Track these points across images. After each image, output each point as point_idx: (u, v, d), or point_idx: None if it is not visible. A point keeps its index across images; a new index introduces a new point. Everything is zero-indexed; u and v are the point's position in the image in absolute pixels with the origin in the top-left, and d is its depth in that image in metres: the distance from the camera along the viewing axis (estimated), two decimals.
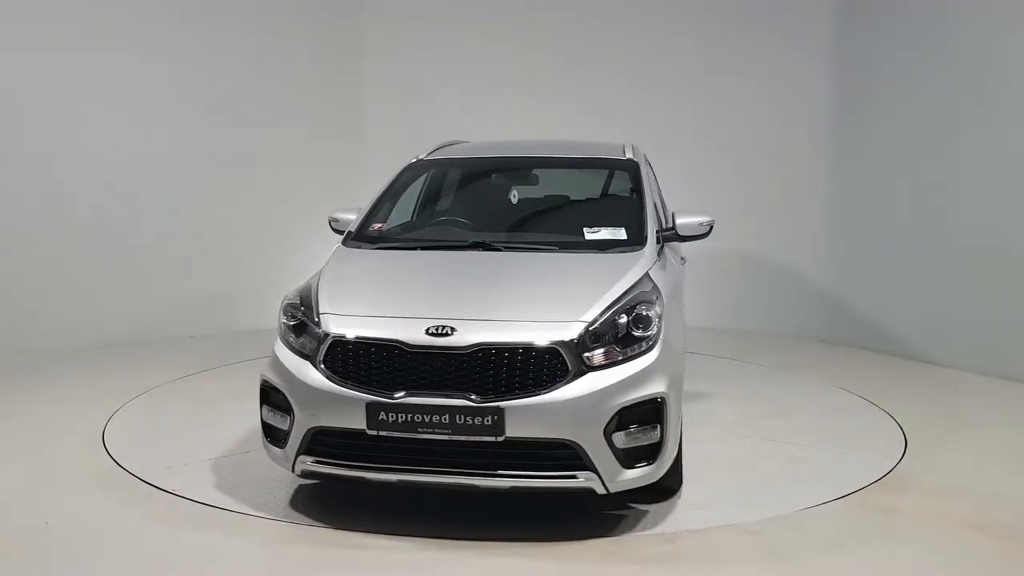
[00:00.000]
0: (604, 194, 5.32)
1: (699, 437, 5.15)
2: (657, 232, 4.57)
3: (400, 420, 3.53)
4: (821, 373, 6.85)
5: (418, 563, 3.51)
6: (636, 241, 4.40)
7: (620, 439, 3.58)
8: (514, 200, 5.36)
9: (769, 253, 8.56)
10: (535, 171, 5.44)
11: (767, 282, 8.53)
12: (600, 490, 3.59)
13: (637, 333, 3.73)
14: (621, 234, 4.46)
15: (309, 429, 3.66)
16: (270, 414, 3.88)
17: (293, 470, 3.77)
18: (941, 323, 7.23)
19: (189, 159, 8.04)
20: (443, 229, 5.01)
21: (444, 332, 3.60)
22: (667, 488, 4.09)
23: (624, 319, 3.74)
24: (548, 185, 5.46)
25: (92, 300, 7.62)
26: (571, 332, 3.62)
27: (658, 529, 3.82)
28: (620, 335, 3.71)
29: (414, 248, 4.59)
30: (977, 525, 3.90)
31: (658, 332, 3.78)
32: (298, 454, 3.71)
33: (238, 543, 3.69)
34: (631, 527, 3.82)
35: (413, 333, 3.62)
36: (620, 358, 3.65)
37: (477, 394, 3.52)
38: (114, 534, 3.76)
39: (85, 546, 3.65)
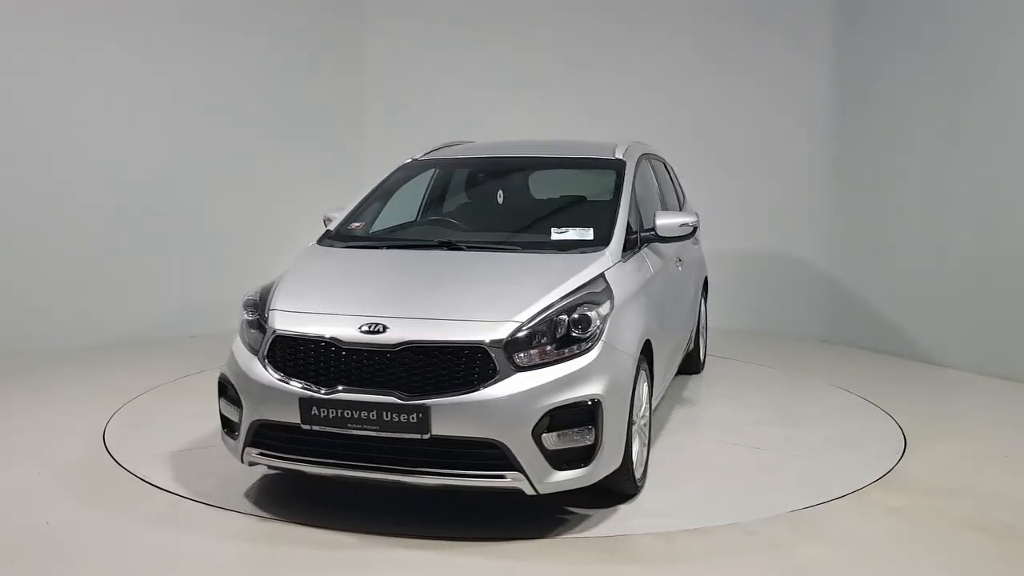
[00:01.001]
0: (587, 194, 5.25)
1: (694, 438, 5.16)
2: (633, 233, 4.54)
3: (331, 415, 3.60)
4: (821, 373, 6.85)
5: (430, 562, 3.51)
6: (601, 242, 4.35)
7: (551, 440, 3.56)
8: (500, 200, 5.42)
9: (769, 253, 8.56)
10: (523, 171, 5.43)
11: (767, 282, 8.53)
12: (528, 491, 3.57)
13: (576, 334, 3.69)
14: (588, 235, 4.42)
15: (254, 422, 3.79)
16: (225, 406, 4.02)
17: (242, 460, 3.89)
18: (941, 323, 7.23)
19: (189, 159, 8.04)
20: (423, 229, 5.06)
21: (376, 330, 3.65)
22: (619, 492, 4.05)
23: (564, 319, 3.71)
24: (540, 185, 5.45)
25: (92, 300, 7.62)
26: (501, 332, 3.61)
27: (600, 532, 3.78)
28: (559, 335, 3.69)
29: (380, 247, 4.65)
30: (977, 525, 3.90)
31: (599, 334, 3.74)
32: (245, 445, 3.84)
33: (239, 543, 3.69)
34: (629, 526, 3.82)
35: (348, 331, 3.68)
36: (554, 359, 3.63)
37: (404, 391, 3.55)
38: (114, 534, 3.77)
39: (85, 546, 3.65)
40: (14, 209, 7.24)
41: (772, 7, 8.49)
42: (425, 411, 3.50)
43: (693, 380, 6.50)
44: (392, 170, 5.40)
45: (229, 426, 4.01)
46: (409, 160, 5.47)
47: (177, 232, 8.03)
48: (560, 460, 3.59)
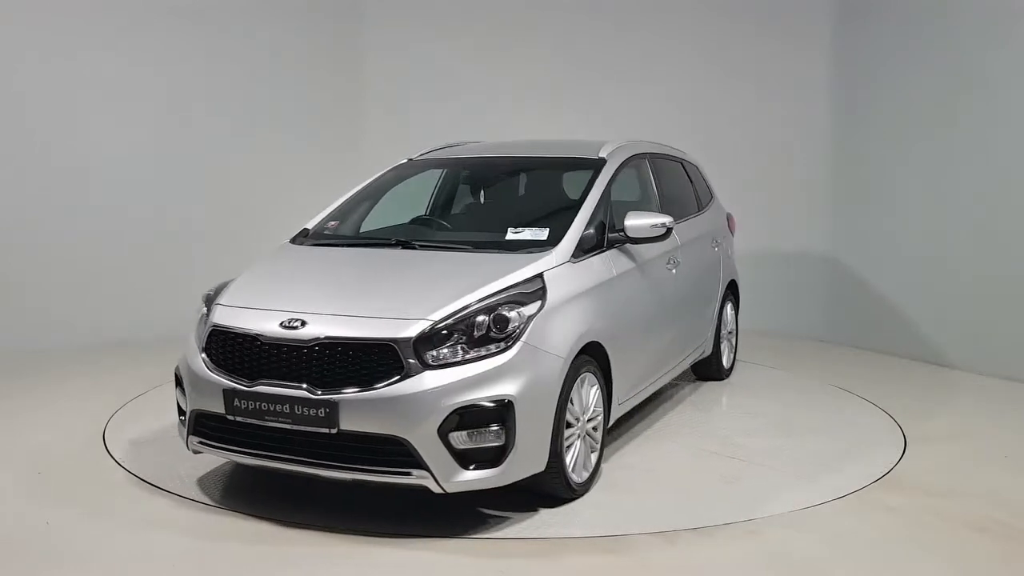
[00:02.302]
0: (568, 194, 5.14)
1: (687, 438, 5.15)
2: (597, 233, 4.49)
3: (251, 407, 3.72)
4: (821, 373, 6.85)
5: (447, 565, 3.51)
6: (553, 242, 4.29)
7: (459, 439, 3.56)
8: (481, 200, 5.46)
9: (768, 253, 8.56)
10: (506, 171, 5.44)
11: (767, 282, 8.52)
12: (435, 489, 3.58)
13: (493, 333, 3.69)
14: (543, 235, 4.37)
15: (193, 411, 3.97)
16: (179, 395, 4.17)
17: (188, 447, 4.06)
18: (941, 323, 7.23)
19: (189, 160, 8.04)
20: (400, 228, 5.07)
21: (294, 326, 3.73)
22: (551, 495, 4.01)
23: (484, 319, 3.70)
24: (526, 185, 5.41)
25: (92, 300, 7.62)
26: (411, 330, 3.62)
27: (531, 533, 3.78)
28: (478, 335, 3.68)
29: (341, 246, 4.75)
30: (977, 525, 3.90)
31: (518, 334, 3.72)
32: (188, 434, 4.02)
33: (239, 543, 3.68)
34: (630, 527, 3.82)
35: (269, 326, 3.79)
36: (466, 357, 3.63)
37: (316, 386, 3.61)
38: (114, 534, 3.76)
39: (85, 546, 3.65)
40: (14, 209, 7.25)
41: (772, 7, 8.50)
42: (333, 406, 3.56)
43: (689, 380, 6.49)
44: (384, 170, 5.47)
45: (181, 414, 4.16)
46: (405, 161, 5.55)
47: (177, 232, 8.02)
48: (468, 459, 3.60)
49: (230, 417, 3.78)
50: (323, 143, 8.80)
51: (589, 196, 4.64)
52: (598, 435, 4.30)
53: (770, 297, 8.53)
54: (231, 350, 3.87)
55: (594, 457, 4.27)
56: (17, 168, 7.26)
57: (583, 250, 4.37)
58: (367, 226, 5.15)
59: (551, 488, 3.97)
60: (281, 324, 3.75)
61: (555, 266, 4.13)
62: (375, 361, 3.60)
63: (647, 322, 4.92)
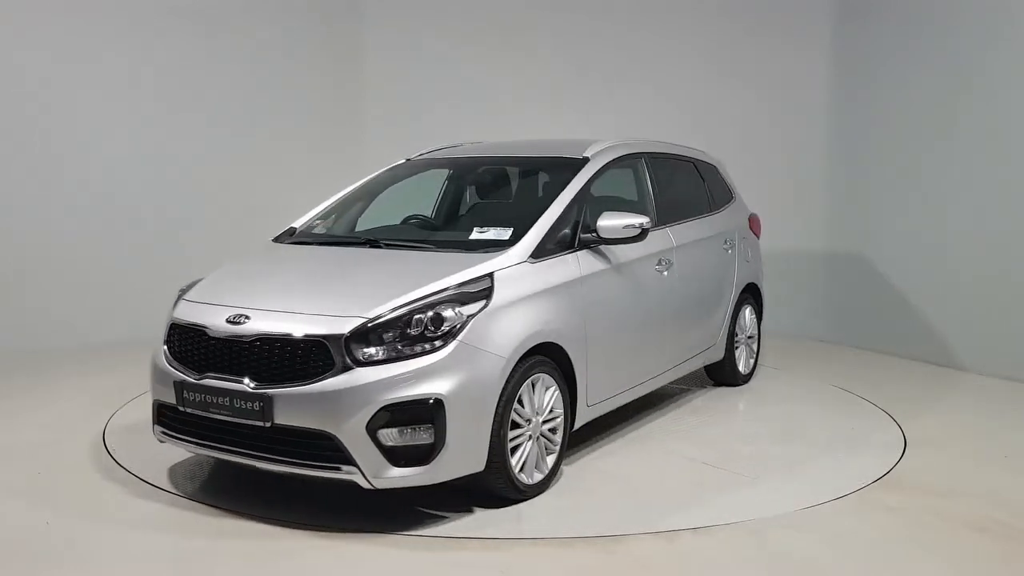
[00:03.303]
0: (539, 193, 5.08)
1: (685, 438, 5.15)
2: (567, 233, 4.44)
3: (197, 399, 3.86)
4: (821, 373, 6.85)
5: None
6: (513, 242, 4.27)
7: (389, 436, 3.60)
8: (468, 200, 5.49)
9: (768, 253, 8.53)
10: (493, 171, 5.45)
11: (767, 282, 8.52)
12: (364, 485, 3.63)
13: (429, 332, 3.71)
14: (506, 234, 4.36)
15: (155, 401, 4.14)
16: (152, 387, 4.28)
17: (155, 435, 4.20)
18: (941, 323, 7.23)
19: (189, 160, 8.04)
20: (383, 228, 5.08)
21: (239, 321, 3.84)
22: (495, 495, 3.99)
23: (422, 317, 3.72)
24: (512, 185, 5.38)
25: (92, 300, 7.62)
26: (345, 327, 3.67)
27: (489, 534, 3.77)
28: (414, 333, 3.70)
29: (317, 244, 4.82)
30: (977, 525, 3.90)
31: (454, 333, 3.73)
32: (153, 423, 4.18)
33: (239, 543, 3.68)
34: (631, 527, 3.82)
35: (218, 320, 3.91)
36: (399, 355, 3.65)
37: (256, 380, 3.71)
38: (114, 534, 3.76)
39: (85, 546, 3.65)
40: (15, 209, 7.25)
41: (773, 6, 8.50)
42: (268, 400, 3.64)
43: (689, 380, 6.48)
44: (379, 171, 5.56)
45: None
46: (403, 161, 5.62)
47: (177, 232, 8.03)
48: (398, 456, 3.62)
49: (181, 408, 3.92)
50: (323, 143, 8.80)
51: (560, 196, 4.59)
52: (557, 437, 4.26)
53: (770, 297, 8.51)
54: (184, 343, 4.01)
55: (551, 459, 4.22)
56: (17, 168, 7.27)
57: (548, 250, 4.34)
58: (363, 225, 5.17)
59: (494, 488, 3.96)
60: (227, 319, 3.88)
61: (508, 266, 4.12)
62: (310, 357, 3.66)
63: (623, 324, 4.81)
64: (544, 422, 4.16)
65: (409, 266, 4.21)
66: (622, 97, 8.66)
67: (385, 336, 3.68)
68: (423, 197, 5.65)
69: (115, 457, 4.71)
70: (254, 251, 4.87)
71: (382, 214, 5.26)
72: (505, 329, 3.90)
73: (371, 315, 3.70)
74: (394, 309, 3.73)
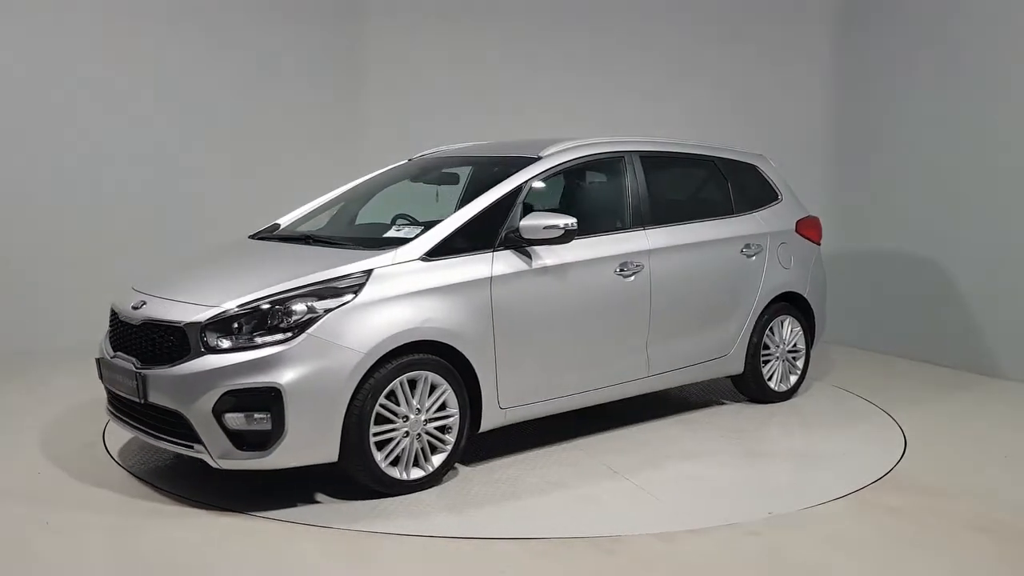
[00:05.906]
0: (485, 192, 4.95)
1: (681, 437, 5.15)
2: (481, 231, 4.41)
3: (108, 376, 4.35)
4: (821, 373, 6.85)
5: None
6: (412, 240, 4.32)
7: (234, 420, 3.82)
8: (436, 199, 5.47)
9: None
10: (461, 171, 5.47)
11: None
12: (212, 464, 3.90)
13: (281, 324, 3.88)
14: (414, 232, 4.42)
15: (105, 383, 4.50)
16: None
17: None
18: (941, 323, 7.23)
19: (188, 161, 8.03)
20: (362, 226, 5.25)
21: (137, 306, 4.21)
22: (368, 488, 4.03)
23: (279, 309, 3.90)
24: (470, 185, 5.34)
25: (92, 300, 7.58)
26: (202, 315, 3.94)
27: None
28: (270, 324, 3.90)
29: (273, 240, 5.01)
30: (977, 525, 3.90)
31: (304, 325, 3.86)
32: (107, 403, 4.56)
33: (239, 543, 3.69)
34: (629, 526, 3.82)
35: (125, 306, 4.30)
36: (248, 345, 3.85)
37: (141, 361, 4.08)
38: (114, 534, 3.77)
39: (85, 546, 3.65)
40: (15, 209, 7.25)
41: (773, 7, 8.50)
42: (143, 380, 4.01)
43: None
44: (375, 172, 5.68)
45: None
46: (406, 161, 5.69)
47: (176, 232, 8.02)
48: (242, 441, 3.85)
49: (103, 384, 4.43)
50: (323, 143, 8.79)
51: (484, 195, 4.54)
52: (449, 437, 4.23)
53: None
54: (111, 326, 4.45)
55: (438, 458, 4.20)
56: (16, 168, 7.26)
57: (457, 248, 4.32)
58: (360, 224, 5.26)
59: (359, 478, 4.05)
60: (132, 305, 4.24)
61: (393, 263, 4.16)
62: (174, 342, 3.97)
63: (552, 328, 4.61)
64: (431, 420, 4.16)
65: (295, 262, 4.38)
66: (622, 96, 8.64)
67: (240, 326, 3.90)
68: (423, 197, 5.67)
69: (115, 457, 4.71)
70: (227, 247, 5.07)
71: (379, 214, 5.26)
72: (368, 325, 3.98)
73: (230, 305, 3.95)
74: (253, 300, 3.94)
